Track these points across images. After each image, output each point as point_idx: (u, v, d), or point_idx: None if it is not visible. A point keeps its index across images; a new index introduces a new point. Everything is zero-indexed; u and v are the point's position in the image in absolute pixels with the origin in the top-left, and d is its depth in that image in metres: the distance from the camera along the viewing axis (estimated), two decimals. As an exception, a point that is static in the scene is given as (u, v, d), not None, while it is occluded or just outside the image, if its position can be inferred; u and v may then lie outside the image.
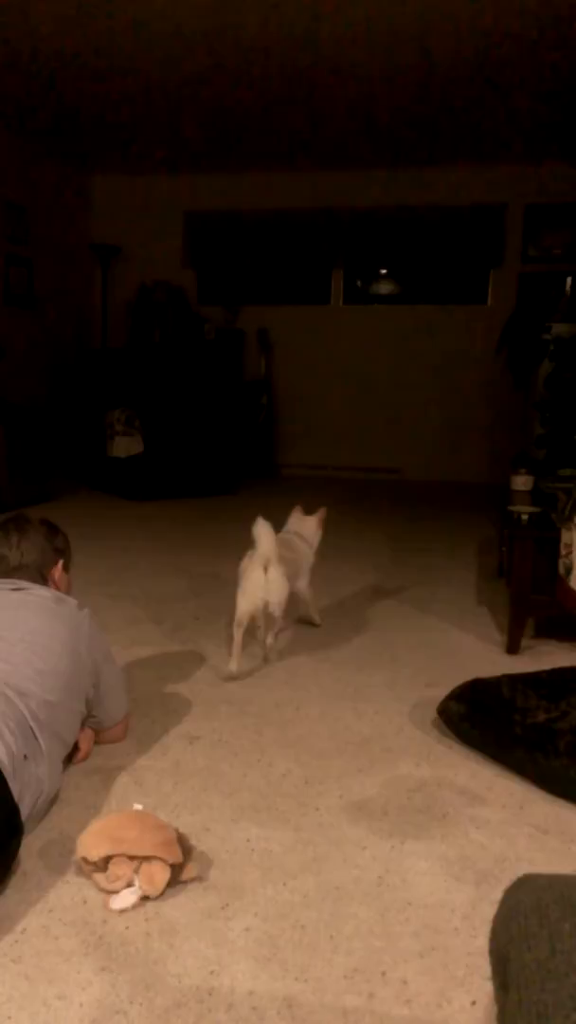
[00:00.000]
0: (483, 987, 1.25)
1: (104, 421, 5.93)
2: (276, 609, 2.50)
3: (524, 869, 1.53)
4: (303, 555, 2.84)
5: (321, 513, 2.96)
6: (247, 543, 2.52)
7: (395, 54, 4.38)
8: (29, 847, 1.56)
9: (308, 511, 2.94)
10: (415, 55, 4.38)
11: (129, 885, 1.43)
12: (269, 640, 2.65)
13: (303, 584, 2.85)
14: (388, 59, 4.45)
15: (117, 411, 5.86)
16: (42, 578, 2.01)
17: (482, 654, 2.77)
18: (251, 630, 2.59)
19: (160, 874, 1.43)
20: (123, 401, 5.90)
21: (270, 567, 2.45)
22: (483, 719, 2.02)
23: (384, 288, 7.32)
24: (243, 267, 7.34)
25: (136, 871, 1.44)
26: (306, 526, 2.91)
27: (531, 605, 2.76)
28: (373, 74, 4.69)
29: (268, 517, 2.49)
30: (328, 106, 5.25)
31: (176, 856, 1.45)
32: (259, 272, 7.36)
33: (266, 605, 2.47)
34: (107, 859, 1.44)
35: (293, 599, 2.74)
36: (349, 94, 5.01)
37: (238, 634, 2.48)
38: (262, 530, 2.45)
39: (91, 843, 1.46)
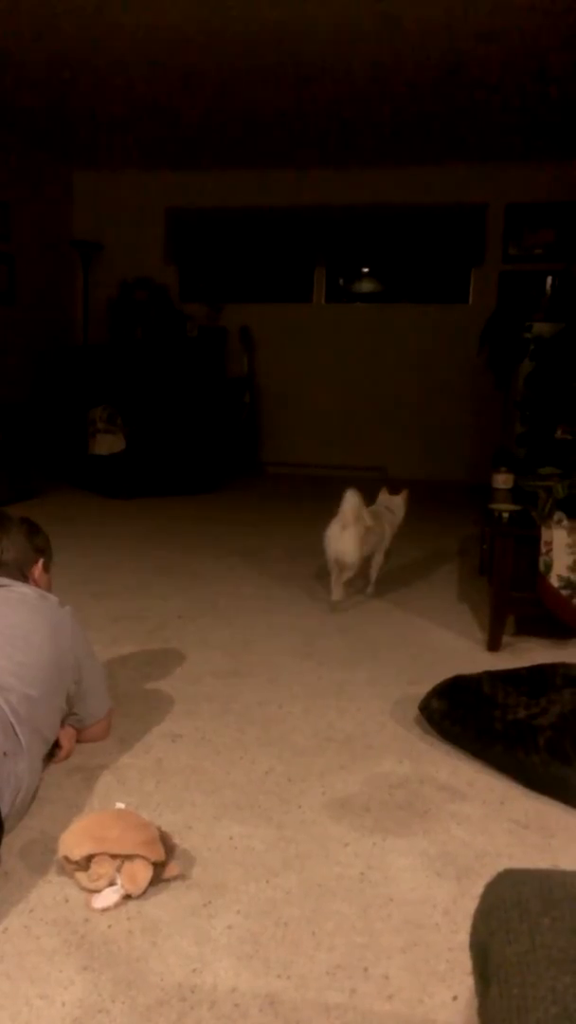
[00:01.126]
0: (464, 982, 1.26)
1: (86, 418, 5.89)
2: (347, 558, 3.06)
3: (504, 864, 1.54)
4: (390, 524, 3.43)
5: (404, 493, 3.56)
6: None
7: (376, 54, 4.39)
8: (10, 846, 1.55)
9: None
10: (396, 55, 4.39)
11: (111, 884, 1.43)
12: (372, 580, 3.38)
13: (382, 547, 3.40)
14: (370, 59, 4.46)
15: (99, 408, 5.83)
16: (23, 576, 2.00)
17: (463, 651, 2.79)
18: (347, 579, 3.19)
19: (142, 872, 1.43)
20: (105, 398, 5.87)
21: (347, 527, 3.01)
22: (464, 716, 2.04)
23: (366, 287, 7.32)
24: (226, 264, 7.32)
25: (118, 870, 1.44)
26: (394, 502, 3.52)
27: (512, 602, 2.78)
28: (355, 74, 4.69)
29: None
30: (311, 106, 5.24)
31: (158, 854, 1.45)
32: (242, 270, 7.34)
33: (339, 556, 3.05)
34: (89, 858, 1.44)
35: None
36: (331, 94, 5.01)
37: (333, 575, 3.15)
38: (347, 498, 3.02)
39: (73, 842, 1.46)
